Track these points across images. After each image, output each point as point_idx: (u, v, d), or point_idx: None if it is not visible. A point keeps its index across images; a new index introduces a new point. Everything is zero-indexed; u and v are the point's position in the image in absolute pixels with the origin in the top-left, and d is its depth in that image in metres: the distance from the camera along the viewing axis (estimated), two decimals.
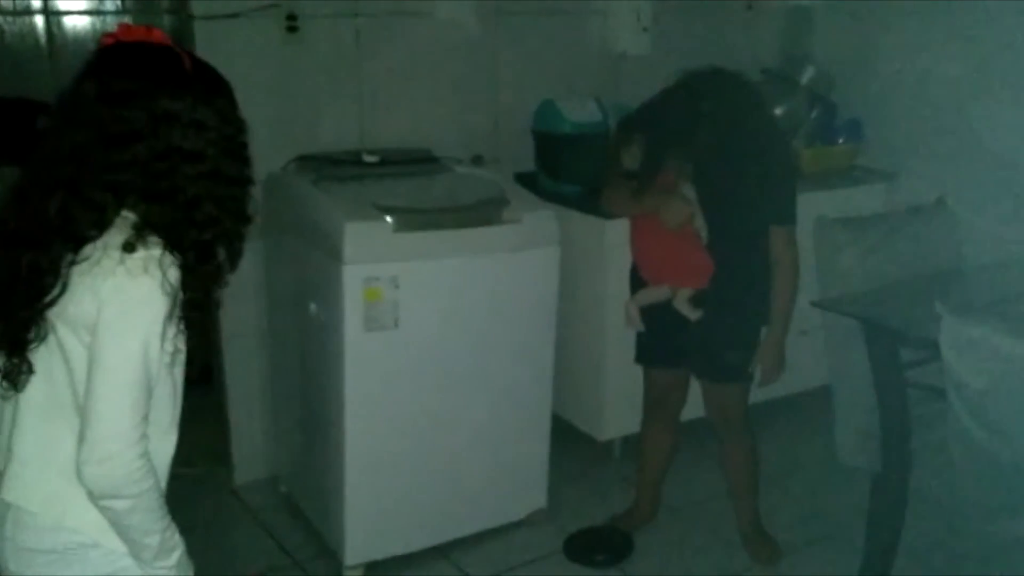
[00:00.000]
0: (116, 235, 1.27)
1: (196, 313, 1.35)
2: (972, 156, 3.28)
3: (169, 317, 1.29)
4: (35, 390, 1.32)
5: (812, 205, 2.72)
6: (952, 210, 2.77)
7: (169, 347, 1.32)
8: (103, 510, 1.30)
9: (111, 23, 3.93)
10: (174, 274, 1.29)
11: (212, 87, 1.35)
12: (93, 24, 3.96)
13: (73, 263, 1.27)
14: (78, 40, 3.94)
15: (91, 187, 1.28)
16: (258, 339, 2.99)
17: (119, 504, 1.29)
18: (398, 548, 2.65)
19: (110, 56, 1.32)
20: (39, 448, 1.33)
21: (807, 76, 3.61)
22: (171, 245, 1.29)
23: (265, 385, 3.04)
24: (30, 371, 1.31)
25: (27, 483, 1.33)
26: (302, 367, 2.75)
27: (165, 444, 1.40)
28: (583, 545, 2.78)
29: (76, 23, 3.95)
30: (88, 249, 1.27)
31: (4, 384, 1.33)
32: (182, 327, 1.33)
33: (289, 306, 2.76)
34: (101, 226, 1.28)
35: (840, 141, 3.65)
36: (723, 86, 2.41)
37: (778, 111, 3.49)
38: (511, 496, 2.83)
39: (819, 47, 3.81)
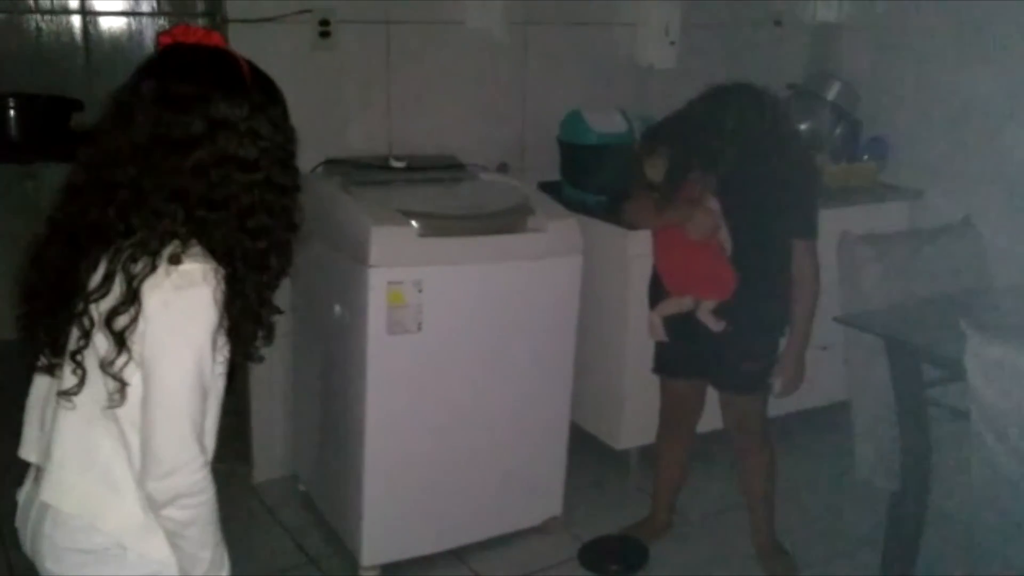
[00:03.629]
0: (168, 246, 1.27)
1: (249, 324, 1.35)
2: (999, 176, 3.27)
3: (219, 327, 1.29)
4: (68, 386, 1.32)
5: (836, 221, 2.72)
6: (978, 230, 2.76)
7: (220, 357, 1.32)
8: (163, 520, 1.30)
9: (147, 24, 3.99)
10: (222, 285, 1.28)
11: (268, 95, 1.35)
12: (129, 25, 4.02)
13: (125, 269, 1.26)
14: (114, 40, 4.01)
15: (156, 196, 1.27)
16: (281, 339, 3.00)
17: (181, 515, 1.30)
18: (414, 550, 2.67)
19: (170, 57, 1.31)
20: (77, 451, 1.33)
21: (833, 92, 3.62)
22: (222, 255, 1.29)
23: (287, 385, 3.07)
24: (82, 379, 1.30)
25: (64, 485, 1.34)
26: (324, 368, 2.77)
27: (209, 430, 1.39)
28: (598, 554, 2.78)
29: (112, 24, 4.01)
30: (143, 258, 1.25)
31: (57, 390, 1.32)
32: (229, 338, 1.33)
33: (313, 307, 2.78)
34: (167, 237, 1.26)
35: (865, 158, 3.64)
36: (748, 101, 2.42)
37: (803, 127, 3.49)
38: (527, 502, 2.84)
39: (846, 64, 3.81)
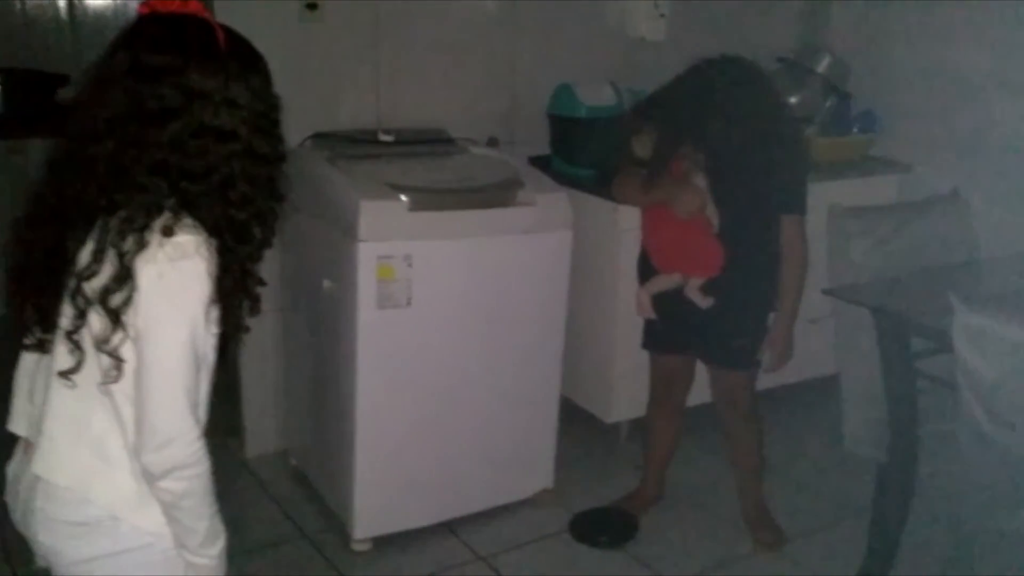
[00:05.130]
0: (158, 219, 1.25)
1: (237, 295, 1.34)
2: (987, 148, 3.28)
3: (211, 299, 1.29)
4: (61, 365, 1.31)
5: (825, 194, 2.72)
6: (966, 201, 2.77)
7: (213, 329, 1.32)
8: (159, 492, 1.30)
9: None
10: (215, 257, 1.28)
11: (246, 63, 1.32)
12: None
13: (115, 246, 1.24)
14: (98, 14, 3.97)
15: (137, 169, 1.25)
16: (271, 314, 3.01)
17: (176, 486, 1.30)
18: (406, 523, 2.68)
19: (144, 28, 1.29)
20: (69, 424, 1.33)
21: (823, 65, 3.61)
22: (210, 227, 1.28)
23: (277, 359, 3.07)
24: (79, 360, 1.29)
25: (56, 458, 1.34)
26: (314, 343, 2.77)
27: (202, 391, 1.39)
28: (589, 525, 2.80)
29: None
30: (132, 234, 1.24)
31: (55, 370, 1.31)
32: (221, 309, 1.32)
33: (303, 282, 2.78)
34: (153, 212, 1.25)
35: (854, 131, 3.64)
36: (736, 74, 2.41)
37: (793, 100, 3.49)
38: (519, 475, 2.86)
39: (835, 37, 3.80)
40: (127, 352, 1.27)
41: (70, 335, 1.28)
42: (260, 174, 1.33)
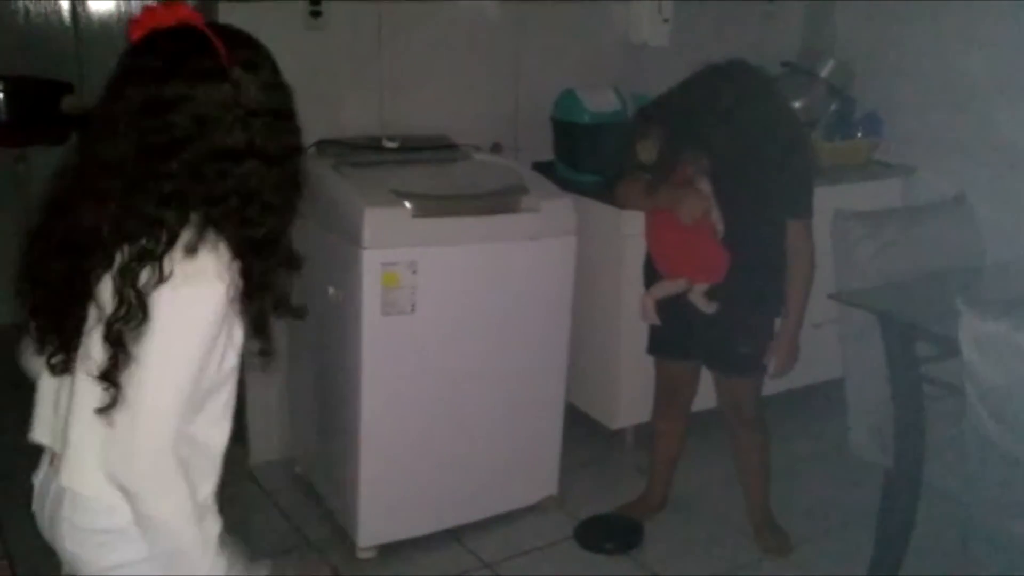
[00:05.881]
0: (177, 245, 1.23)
1: (265, 310, 1.33)
2: (992, 152, 3.27)
3: (232, 316, 1.27)
4: (88, 381, 1.29)
5: (830, 199, 2.71)
6: (971, 206, 2.76)
7: (232, 351, 1.30)
8: (135, 507, 1.28)
9: (136, 5, 3.96)
10: (236, 274, 1.26)
11: (251, 65, 1.28)
12: (118, 6, 3.99)
13: (133, 284, 1.22)
14: (103, 21, 3.98)
15: (144, 201, 1.23)
16: (276, 322, 3.01)
17: (147, 506, 1.27)
18: (411, 531, 2.68)
19: (143, 58, 1.25)
20: (91, 436, 1.31)
21: (827, 70, 3.60)
22: (232, 244, 1.26)
23: (282, 367, 3.06)
24: (115, 397, 1.26)
25: (81, 470, 1.33)
26: (319, 350, 2.77)
27: (217, 432, 1.38)
28: (594, 532, 2.79)
29: (101, 5, 3.98)
30: (148, 266, 1.22)
31: (93, 408, 1.28)
32: (245, 322, 1.30)
33: (307, 289, 2.76)
34: (169, 240, 1.23)
35: (859, 135, 3.64)
36: (741, 79, 2.41)
37: (797, 104, 3.48)
38: (523, 482, 2.85)
39: (839, 41, 3.80)
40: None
41: (106, 375, 1.25)
42: (277, 178, 1.30)
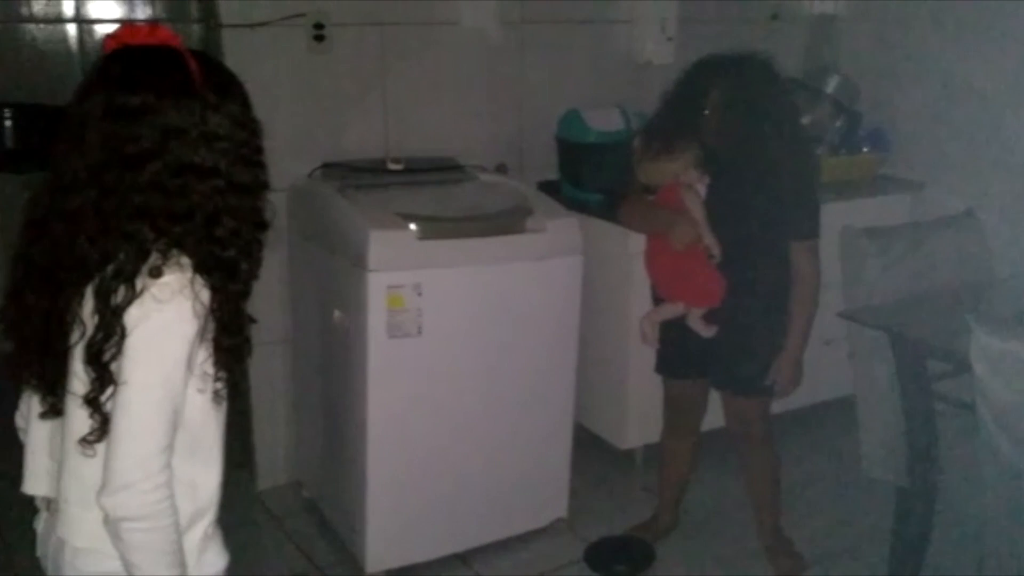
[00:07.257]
0: (146, 264, 1.22)
1: (231, 336, 1.30)
2: (1001, 167, 3.25)
3: (200, 340, 1.25)
4: (76, 428, 1.27)
5: (836, 215, 2.70)
6: (981, 221, 2.75)
7: (199, 372, 1.27)
8: (114, 540, 1.26)
9: None
10: (205, 295, 1.25)
11: (223, 91, 1.27)
12: None
13: (110, 305, 1.21)
14: None
15: (120, 217, 1.22)
16: (282, 345, 3.01)
17: (128, 537, 1.24)
18: (419, 555, 2.65)
19: (115, 66, 1.25)
20: (80, 486, 1.29)
21: (832, 85, 3.60)
22: (199, 265, 1.25)
23: (289, 391, 3.06)
24: (102, 424, 1.25)
25: (73, 520, 1.31)
26: (325, 373, 2.76)
27: (209, 474, 1.36)
28: (604, 554, 2.77)
29: (107, 32, 3.99)
30: (122, 286, 1.21)
31: (76, 438, 1.27)
32: (212, 351, 1.28)
33: (313, 313, 2.77)
34: (141, 258, 1.22)
35: (864, 150, 3.63)
36: (751, 69, 2.40)
37: (803, 121, 3.47)
38: (532, 504, 2.83)
39: (844, 56, 3.80)
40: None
41: (91, 401, 1.24)
42: (244, 206, 1.29)
